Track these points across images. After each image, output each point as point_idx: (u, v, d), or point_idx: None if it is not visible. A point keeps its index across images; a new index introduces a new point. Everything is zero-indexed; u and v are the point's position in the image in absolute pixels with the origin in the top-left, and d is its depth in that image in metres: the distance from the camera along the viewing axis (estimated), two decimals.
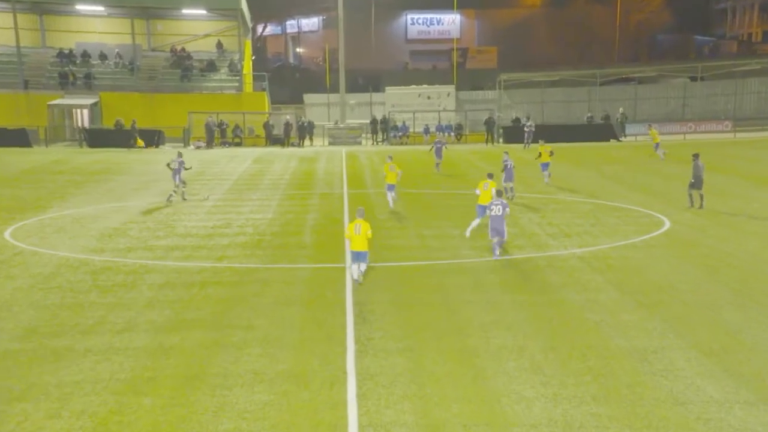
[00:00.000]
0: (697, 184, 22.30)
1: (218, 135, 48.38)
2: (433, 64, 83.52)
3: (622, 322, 12.05)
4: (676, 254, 16.76)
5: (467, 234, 18.53)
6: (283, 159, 40.07)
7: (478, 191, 18.60)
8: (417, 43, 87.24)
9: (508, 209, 16.37)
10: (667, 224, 20.05)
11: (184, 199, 25.13)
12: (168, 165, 25.56)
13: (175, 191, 25.00)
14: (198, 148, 46.65)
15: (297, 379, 9.88)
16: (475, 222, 18.61)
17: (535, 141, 44.02)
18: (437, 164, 32.61)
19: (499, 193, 16.90)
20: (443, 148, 33.21)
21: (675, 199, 23.54)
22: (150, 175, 32.48)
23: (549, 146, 28.64)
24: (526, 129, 45.27)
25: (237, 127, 49.51)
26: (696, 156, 22.58)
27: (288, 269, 15.88)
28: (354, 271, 14.38)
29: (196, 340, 11.36)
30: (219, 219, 21.85)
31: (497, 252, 16.39)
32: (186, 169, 25.48)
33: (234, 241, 18.73)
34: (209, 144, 47.41)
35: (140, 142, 45.73)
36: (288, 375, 10.01)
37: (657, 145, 37.04)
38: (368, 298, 13.50)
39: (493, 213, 16.23)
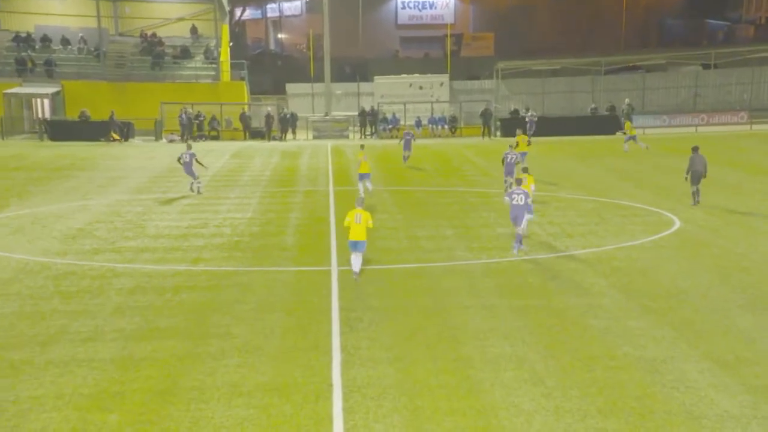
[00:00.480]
0: (694, 179, 22.54)
1: (195, 128, 48.10)
2: (426, 51, 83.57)
3: (629, 329, 12.10)
4: (686, 256, 16.85)
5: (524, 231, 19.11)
6: (264, 154, 40.01)
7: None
8: (408, 29, 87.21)
9: (530, 200, 17.16)
10: (677, 224, 20.16)
11: (199, 193, 26.26)
12: (179, 160, 26.43)
13: (197, 182, 26.45)
14: (171, 141, 46.47)
15: (278, 391, 9.85)
16: (529, 217, 19.21)
17: (536, 134, 44.43)
18: (405, 157, 33.55)
19: (518, 182, 17.68)
20: (412, 140, 34.14)
21: (686, 196, 23.64)
22: (118, 171, 32.34)
23: (526, 136, 30.27)
24: (527, 120, 45.54)
25: (213, 119, 49.35)
26: (695, 149, 22.85)
27: (269, 273, 15.84)
28: (353, 262, 14.97)
29: (168, 350, 11.31)
30: (194, 218, 21.78)
31: (515, 248, 17.11)
32: (198, 162, 26.31)
33: (210, 242, 18.69)
34: (184, 137, 47.23)
35: (116, 136, 45.52)
36: (269, 387, 9.98)
37: (632, 137, 37.35)
38: (356, 303, 13.49)
39: (514, 202, 17.00)
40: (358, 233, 14.75)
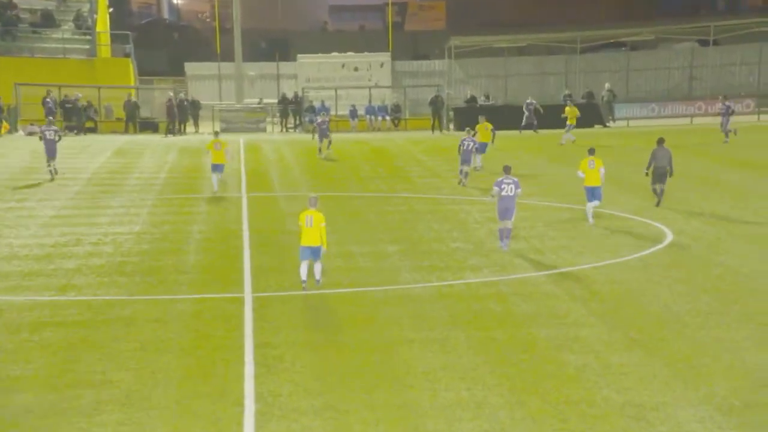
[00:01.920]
0: (657, 177, 23.61)
1: (60, 115, 46.50)
2: (361, 23, 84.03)
3: (612, 366, 12.27)
4: (681, 277, 17.19)
5: (591, 220, 21.63)
6: (157, 151, 39.53)
7: (581, 173, 21.73)
8: None
9: (519, 190, 18.78)
10: (669, 236, 20.58)
11: (54, 176, 29.27)
12: (40, 137, 29.33)
13: (51, 166, 29.31)
14: (31, 134, 45.26)
15: None
16: (592, 204, 21.75)
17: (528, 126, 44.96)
18: (321, 149, 35.93)
19: (507, 169, 19.13)
20: (328, 130, 36.44)
21: (679, 202, 24.21)
22: None
23: (490, 124, 32.87)
24: (525, 110, 46.16)
25: (89, 105, 48.43)
26: (659, 141, 24.00)
27: (162, 302, 15.67)
28: (303, 271, 15.79)
29: (23, 407, 11.00)
30: (63, 234, 21.39)
31: (505, 242, 18.96)
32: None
33: (85, 264, 18.39)
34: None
35: (6, 126, 44.29)
36: None
37: (570, 126, 39.12)
38: (275, 338, 13.41)
39: (504, 192, 18.47)
40: (309, 238, 15.59)
